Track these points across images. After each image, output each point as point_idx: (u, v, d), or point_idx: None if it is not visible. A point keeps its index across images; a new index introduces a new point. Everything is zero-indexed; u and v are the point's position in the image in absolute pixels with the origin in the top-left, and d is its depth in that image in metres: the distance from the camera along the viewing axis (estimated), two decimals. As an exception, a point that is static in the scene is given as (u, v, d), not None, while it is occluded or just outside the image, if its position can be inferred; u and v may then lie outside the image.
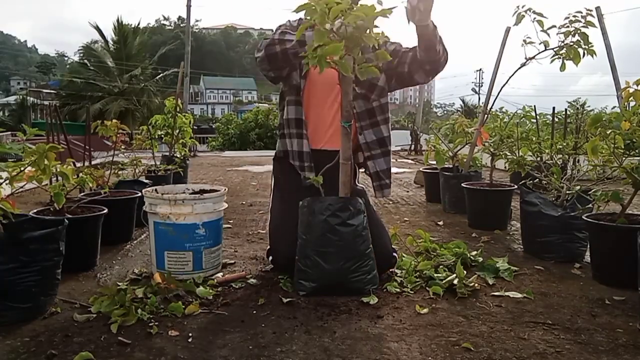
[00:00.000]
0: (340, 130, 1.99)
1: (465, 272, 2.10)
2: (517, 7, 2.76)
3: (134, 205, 2.90)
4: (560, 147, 3.40)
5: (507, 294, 2.01)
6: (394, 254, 2.22)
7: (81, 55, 29.57)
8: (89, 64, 26.87)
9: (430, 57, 2.07)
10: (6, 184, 1.79)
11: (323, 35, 1.71)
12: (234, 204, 4.23)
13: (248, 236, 3.09)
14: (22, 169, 1.80)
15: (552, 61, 2.67)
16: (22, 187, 2.10)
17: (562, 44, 2.61)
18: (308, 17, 1.72)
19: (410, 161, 9.22)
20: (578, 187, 2.50)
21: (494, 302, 1.93)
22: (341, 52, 1.76)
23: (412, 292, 2.03)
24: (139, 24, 28.85)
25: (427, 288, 2.05)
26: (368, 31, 1.74)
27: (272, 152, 2.45)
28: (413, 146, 11.50)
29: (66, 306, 1.86)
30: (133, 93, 25.78)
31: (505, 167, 3.97)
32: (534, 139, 3.49)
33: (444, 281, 2.05)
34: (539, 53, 2.73)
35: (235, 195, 4.83)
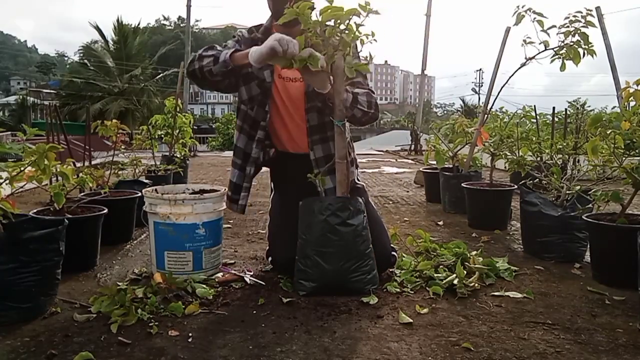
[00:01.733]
0: (335, 129, 1.99)
1: (465, 272, 2.10)
2: (517, 7, 2.76)
3: (134, 205, 2.90)
4: (560, 147, 3.40)
5: (507, 294, 2.01)
6: (393, 253, 2.22)
7: (81, 55, 29.62)
8: (89, 64, 26.90)
9: (348, 116, 2.06)
10: (6, 184, 1.79)
11: (302, 38, 1.77)
12: (234, 204, 4.23)
13: (248, 236, 3.09)
14: (22, 169, 1.80)
15: (552, 61, 2.67)
16: (22, 187, 2.10)
17: (562, 44, 2.61)
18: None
19: (410, 161, 9.22)
20: (578, 187, 2.50)
21: (494, 302, 1.93)
22: (331, 50, 1.80)
23: (412, 292, 2.03)
24: (139, 24, 28.89)
25: (427, 288, 2.05)
26: (345, 28, 1.79)
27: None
28: (413, 146, 11.52)
29: (66, 306, 1.86)
30: (133, 93, 25.81)
31: (505, 167, 3.98)
32: (534, 139, 3.49)
33: (444, 281, 2.05)
34: (539, 53, 2.73)
35: (235, 195, 4.82)
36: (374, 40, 1.85)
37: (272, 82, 2.16)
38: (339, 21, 1.80)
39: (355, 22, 1.81)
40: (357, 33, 1.82)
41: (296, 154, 2.26)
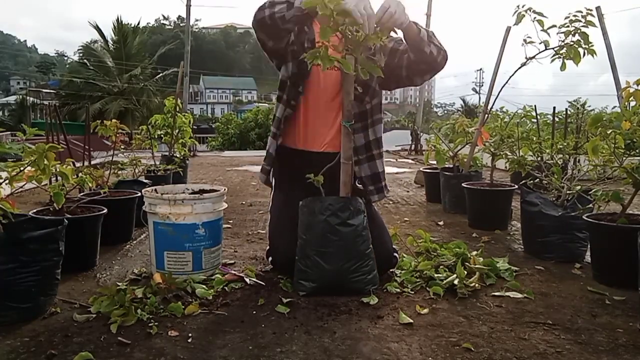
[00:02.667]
0: (342, 129, 1.99)
1: (465, 272, 2.10)
2: (517, 6, 2.76)
3: (133, 205, 2.89)
4: (561, 147, 3.40)
5: (507, 294, 2.01)
6: (395, 254, 2.21)
7: (81, 55, 29.58)
8: (88, 64, 26.88)
9: (421, 58, 2.03)
10: (6, 184, 1.79)
11: (328, 32, 1.72)
12: (233, 204, 4.23)
13: (248, 236, 3.09)
14: (21, 168, 1.79)
15: (552, 61, 2.67)
16: (21, 187, 2.10)
17: (563, 43, 2.61)
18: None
19: (410, 161, 9.22)
20: (578, 187, 2.49)
21: (494, 303, 1.93)
22: (343, 50, 1.77)
23: (413, 292, 2.03)
24: (138, 24, 28.88)
25: (427, 288, 2.05)
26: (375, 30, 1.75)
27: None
28: (413, 146, 11.50)
29: (66, 306, 1.85)
30: (133, 93, 25.78)
31: (505, 167, 3.97)
32: (534, 138, 3.48)
33: (444, 281, 2.05)
34: (539, 53, 2.73)
35: (235, 195, 4.82)
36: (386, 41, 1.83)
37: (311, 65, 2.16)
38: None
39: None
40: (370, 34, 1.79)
41: (304, 152, 2.24)
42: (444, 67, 2.10)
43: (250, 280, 2.13)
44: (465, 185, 3.45)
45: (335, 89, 2.18)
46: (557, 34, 2.61)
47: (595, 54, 2.58)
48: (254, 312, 1.82)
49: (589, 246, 2.37)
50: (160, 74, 28.95)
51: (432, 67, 2.08)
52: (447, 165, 4.11)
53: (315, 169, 2.05)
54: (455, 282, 2.02)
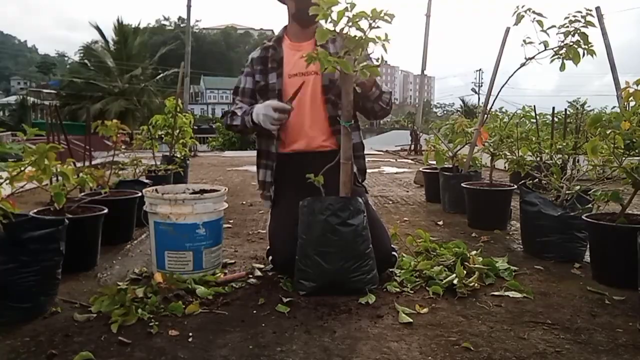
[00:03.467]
0: (341, 130, 2.00)
1: (465, 271, 2.10)
2: (517, 7, 2.77)
3: (134, 205, 2.90)
4: (560, 147, 3.40)
5: (506, 293, 2.01)
6: (394, 252, 2.22)
7: (81, 55, 29.60)
8: (89, 64, 26.91)
9: (363, 108, 2.20)
10: (6, 184, 1.79)
11: (325, 34, 1.73)
12: (234, 203, 4.23)
13: (248, 236, 3.09)
14: (22, 168, 1.80)
15: (551, 61, 2.68)
16: (22, 187, 2.10)
17: (562, 44, 2.62)
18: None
19: (410, 161, 9.23)
20: (578, 187, 2.50)
21: (493, 302, 1.93)
22: (341, 50, 1.79)
23: (412, 291, 2.03)
24: (139, 24, 28.93)
25: (427, 288, 2.06)
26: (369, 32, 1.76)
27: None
28: (413, 146, 11.52)
29: (66, 306, 1.86)
30: (133, 93, 25.82)
31: (505, 167, 3.98)
32: (533, 139, 3.49)
33: (443, 281, 2.05)
34: (539, 53, 2.74)
35: (236, 195, 4.83)
36: (387, 41, 1.84)
37: (279, 81, 2.23)
38: (351, 23, 1.78)
39: (369, 24, 1.80)
40: (369, 35, 1.80)
41: (297, 154, 2.26)
42: (383, 118, 2.48)
43: (250, 279, 2.14)
44: (464, 185, 3.46)
45: (314, 94, 2.24)
46: (557, 34, 2.62)
47: (595, 54, 2.59)
48: (255, 311, 1.83)
49: (588, 246, 2.37)
50: (161, 75, 28.97)
51: (373, 117, 2.32)
52: (446, 165, 4.12)
53: (311, 167, 2.07)
54: (455, 281, 2.03)
